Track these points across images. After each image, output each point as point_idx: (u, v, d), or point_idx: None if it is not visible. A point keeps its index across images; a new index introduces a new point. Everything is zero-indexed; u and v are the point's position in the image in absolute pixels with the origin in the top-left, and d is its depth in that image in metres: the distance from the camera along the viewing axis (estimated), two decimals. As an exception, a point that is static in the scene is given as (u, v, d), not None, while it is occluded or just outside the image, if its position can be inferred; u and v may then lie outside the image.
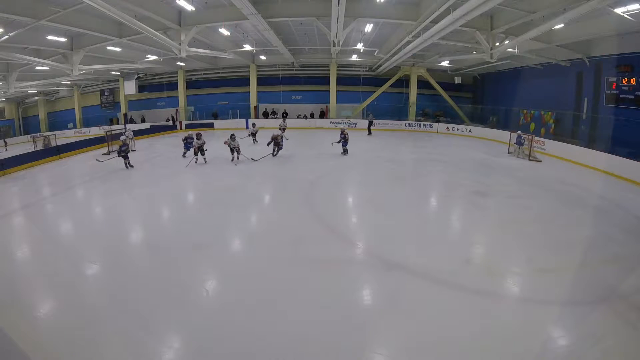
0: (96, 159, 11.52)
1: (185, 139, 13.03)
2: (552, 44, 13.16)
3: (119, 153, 11.17)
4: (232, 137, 11.82)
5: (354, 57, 21.12)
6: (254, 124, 16.91)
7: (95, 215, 7.53)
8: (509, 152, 13.85)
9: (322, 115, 23.85)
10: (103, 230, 6.56)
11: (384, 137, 18.48)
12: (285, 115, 21.39)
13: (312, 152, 13.79)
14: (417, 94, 23.12)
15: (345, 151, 13.19)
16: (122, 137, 11.70)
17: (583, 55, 13.67)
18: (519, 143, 13.00)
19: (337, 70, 22.97)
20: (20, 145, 21.16)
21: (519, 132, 13.49)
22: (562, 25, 10.59)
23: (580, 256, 5.25)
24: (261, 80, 23.98)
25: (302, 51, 20.25)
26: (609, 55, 12.59)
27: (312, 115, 23.81)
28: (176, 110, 24.40)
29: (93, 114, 26.24)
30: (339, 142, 13.23)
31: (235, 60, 20.98)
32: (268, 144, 12.74)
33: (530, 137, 13.02)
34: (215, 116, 24.39)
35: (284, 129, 16.14)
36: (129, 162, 11.35)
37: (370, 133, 19.45)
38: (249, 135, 16.30)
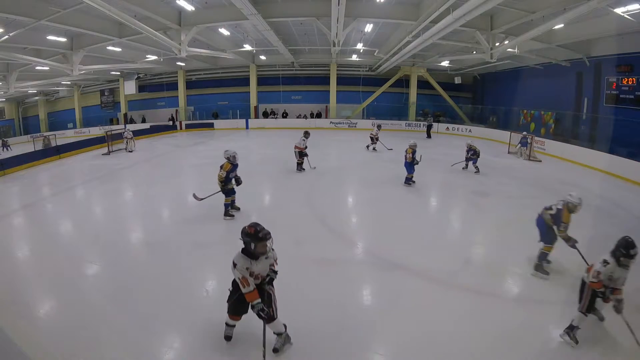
0: None
1: None
2: (552, 44, 13.17)
3: None
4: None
5: (354, 57, 21.12)
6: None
7: (95, 215, 7.53)
8: (509, 152, 13.84)
9: (319, 116, 23.77)
10: (103, 230, 6.55)
11: (384, 138, 18.43)
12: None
13: (313, 152, 13.73)
14: (417, 94, 23.15)
15: (477, 169, 10.32)
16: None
17: (583, 55, 13.68)
18: (524, 144, 12.92)
19: (337, 70, 22.97)
20: (21, 145, 21.17)
21: (524, 132, 13.44)
22: (562, 25, 10.60)
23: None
24: (261, 80, 24.00)
25: (302, 51, 20.25)
26: (609, 55, 12.60)
27: (312, 115, 23.82)
28: (176, 110, 24.42)
29: (93, 114, 26.27)
30: (467, 159, 10.44)
31: (235, 60, 21.00)
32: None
33: (530, 137, 13.02)
34: (216, 116, 24.40)
35: (376, 138, 14.34)
36: None
37: (429, 136, 18.68)
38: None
